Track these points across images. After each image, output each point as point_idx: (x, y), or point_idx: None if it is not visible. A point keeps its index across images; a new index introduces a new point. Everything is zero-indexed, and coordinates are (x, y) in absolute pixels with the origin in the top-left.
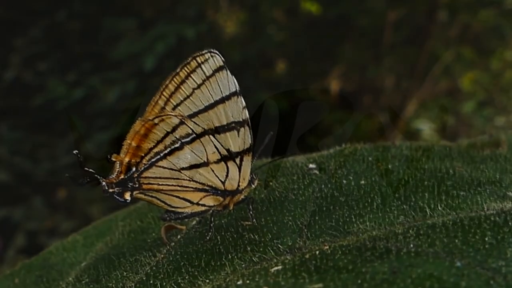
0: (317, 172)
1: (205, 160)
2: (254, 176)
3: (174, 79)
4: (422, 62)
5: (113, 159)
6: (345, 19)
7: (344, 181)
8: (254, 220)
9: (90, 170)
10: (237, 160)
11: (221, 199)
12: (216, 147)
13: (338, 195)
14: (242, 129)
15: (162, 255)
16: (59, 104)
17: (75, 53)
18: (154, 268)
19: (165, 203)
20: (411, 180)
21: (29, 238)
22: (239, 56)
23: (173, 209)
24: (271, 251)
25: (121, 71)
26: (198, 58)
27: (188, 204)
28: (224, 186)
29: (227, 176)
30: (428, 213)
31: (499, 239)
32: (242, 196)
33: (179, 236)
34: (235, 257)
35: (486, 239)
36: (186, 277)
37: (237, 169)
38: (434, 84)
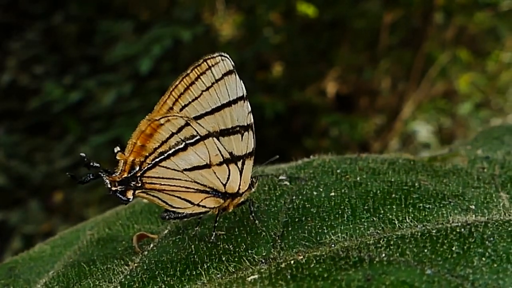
0: (288, 183)
1: (208, 162)
2: (254, 180)
3: (184, 79)
4: (418, 64)
5: (118, 158)
6: (341, 21)
7: (315, 193)
8: (257, 221)
9: (96, 165)
10: (239, 164)
11: (222, 201)
12: (219, 149)
13: (309, 207)
14: (246, 133)
15: (135, 264)
16: (55, 107)
17: (71, 56)
18: (128, 277)
19: (166, 203)
20: (379, 193)
21: (26, 241)
22: (236, 58)
23: (174, 209)
24: (246, 261)
25: (117, 74)
26: (209, 61)
27: (189, 205)
28: (225, 188)
29: (228, 178)
30: (397, 225)
31: (465, 249)
32: (242, 199)
33: (151, 245)
34: (211, 266)
35: (454, 248)
36: (162, 286)
37: (239, 172)
38: (430, 86)
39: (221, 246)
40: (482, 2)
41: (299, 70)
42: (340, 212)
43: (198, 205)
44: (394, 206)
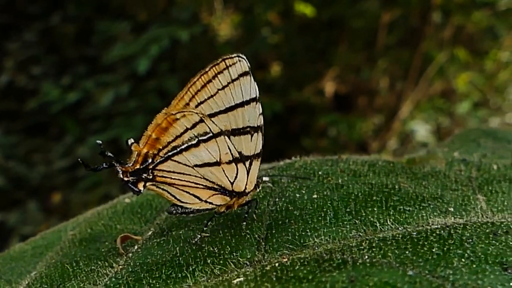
0: (271, 185)
1: (218, 160)
2: (260, 180)
3: (202, 77)
4: (416, 64)
5: (132, 149)
6: (339, 21)
7: (297, 195)
8: (243, 223)
9: (110, 154)
10: (247, 164)
11: (228, 199)
12: (229, 148)
13: (292, 209)
14: (255, 134)
15: (120, 266)
16: (53, 107)
17: (69, 57)
18: (113, 279)
19: (175, 197)
20: (360, 195)
21: None
22: None
23: (181, 203)
24: (231, 263)
25: (115, 75)
26: (227, 61)
27: (197, 200)
28: (232, 186)
29: (236, 177)
30: (379, 227)
31: (445, 250)
32: (247, 199)
33: (136, 247)
34: (196, 269)
35: (434, 250)
36: None
37: (246, 172)
38: (429, 85)
39: (206, 248)
40: (479, 1)
41: (297, 70)
42: (322, 215)
43: (205, 201)
44: (375, 209)
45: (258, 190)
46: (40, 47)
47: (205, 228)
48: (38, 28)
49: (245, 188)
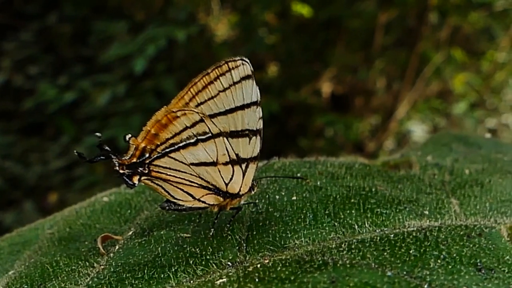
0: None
1: (215, 160)
2: (255, 184)
3: (204, 78)
4: (413, 64)
5: (130, 143)
6: (336, 21)
7: (277, 197)
8: (227, 225)
9: (107, 148)
10: (243, 166)
11: (221, 199)
12: (227, 149)
13: (272, 211)
14: (254, 137)
15: (101, 266)
16: (50, 107)
17: (65, 57)
18: (95, 279)
19: (169, 194)
20: (338, 197)
21: None
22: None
23: (175, 200)
24: (213, 264)
25: (112, 75)
26: (230, 63)
27: (190, 198)
28: (226, 187)
29: (231, 179)
30: (357, 229)
31: (422, 252)
32: (242, 201)
33: (117, 247)
34: (179, 269)
35: (411, 252)
36: None
37: (242, 174)
38: (425, 86)
39: (188, 249)
40: (476, 2)
41: (294, 70)
42: (302, 217)
43: (199, 200)
44: (353, 211)
45: (252, 193)
46: (36, 47)
47: (216, 221)
48: (34, 28)
49: (240, 190)
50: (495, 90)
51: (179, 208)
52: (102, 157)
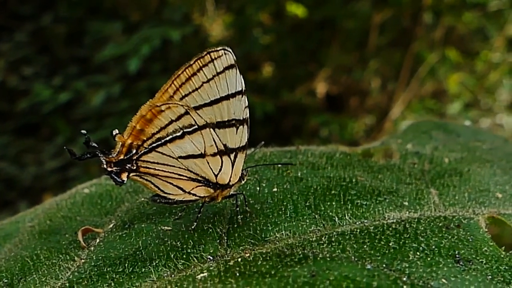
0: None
1: (202, 152)
2: (244, 173)
3: (187, 70)
4: (408, 64)
5: (117, 140)
6: (330, 22)
7: (258, 188)
8: (248, 210)
9: (94, 145)
10: (232, 156)
11: (212, 191)
12: (214, 140)
13: (253, 203)
14: (241, 127)
15: (82, 260)
16: (45, 108)
17: (60, 57)
18: (76, 273)
19: (159, 188)
20: (319, 188)
21: None
22: None
23: (165, 194)
24: (194, 258)
25: (107, 75)
26: (212, 54)
27: (181, 192)
28: (216, 179)
29: (220, 170)
30: (337, 222)
31: (401, 244)
32: (232, 191)
33: (98, 240)
34: (159, 264)
35: (390, 244)
36: (112, 284)
37: (231, 165)
38: (420, 86)
39: (169, 242)
40: (470, 2)
41: (289, 70)
42: (283, 209)
43: (189, 193)
44: (333, 203)
45: (242, 182)
46: (31, 47)
47: (199, 215)
48: (29, 28)
49: (230, 180)
50: (489, 90)
51: (170, 201)
52: (89, 155)
